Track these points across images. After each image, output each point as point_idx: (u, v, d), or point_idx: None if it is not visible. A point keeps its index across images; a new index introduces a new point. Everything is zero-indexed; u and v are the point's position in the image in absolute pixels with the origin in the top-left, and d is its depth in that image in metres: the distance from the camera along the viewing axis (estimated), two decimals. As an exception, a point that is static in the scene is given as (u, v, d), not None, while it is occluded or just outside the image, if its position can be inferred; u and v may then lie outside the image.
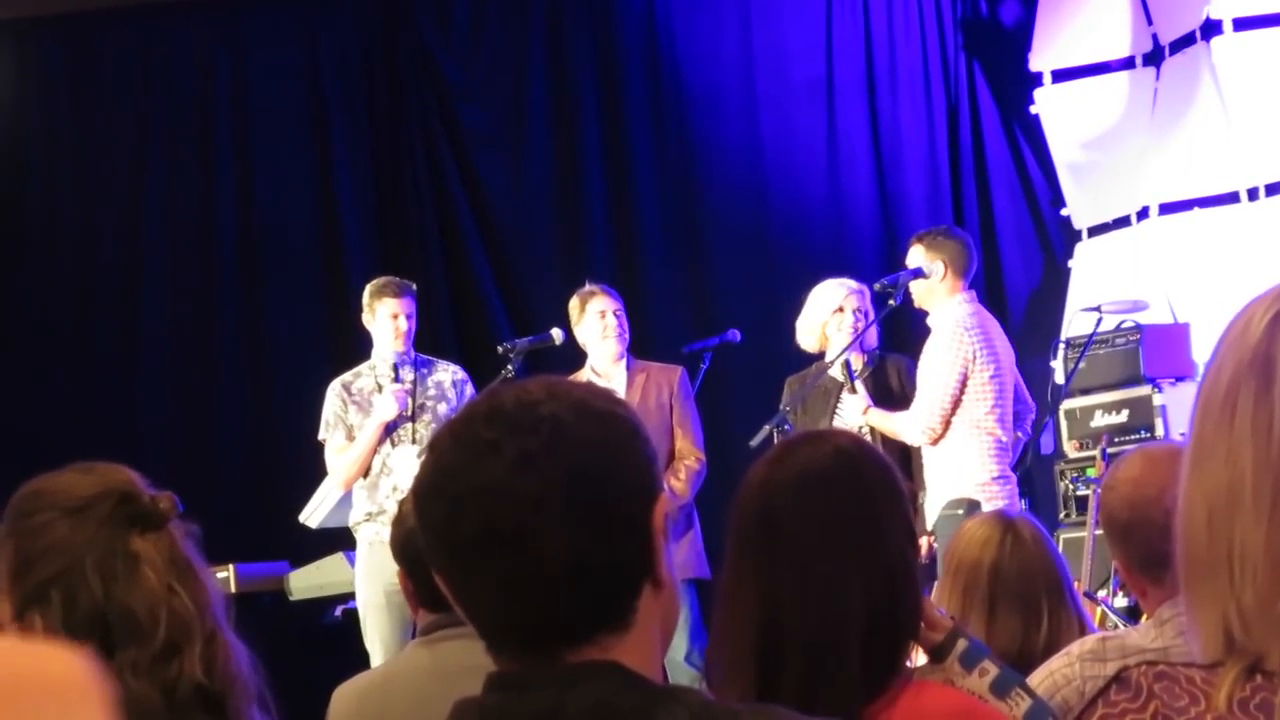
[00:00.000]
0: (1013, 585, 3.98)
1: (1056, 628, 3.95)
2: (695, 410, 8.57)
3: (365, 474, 8.51)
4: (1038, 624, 3.96)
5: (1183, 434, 7.65)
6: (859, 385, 8.13)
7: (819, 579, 2.69)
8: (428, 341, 9.64)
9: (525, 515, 1.82)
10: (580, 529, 1.83)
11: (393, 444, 8.48)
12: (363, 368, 8.65)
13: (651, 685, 1.85)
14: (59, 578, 2.46)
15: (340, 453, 8.54)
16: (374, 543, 8.31)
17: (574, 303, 8.66)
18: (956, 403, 7.77)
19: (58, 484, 2.55)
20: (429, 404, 8.54)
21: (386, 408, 8.45)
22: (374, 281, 8.66)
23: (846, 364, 8.15)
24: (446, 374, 8.66)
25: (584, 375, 8.48)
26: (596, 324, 8.57)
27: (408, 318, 8.54)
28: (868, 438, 8.17)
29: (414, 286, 8.66)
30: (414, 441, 8.44)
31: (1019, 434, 8.09)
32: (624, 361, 8.59)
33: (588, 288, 8.68)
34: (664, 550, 1.89)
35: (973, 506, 7.43)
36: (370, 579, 8.36)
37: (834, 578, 2.69)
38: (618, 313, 8.61)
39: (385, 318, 8.55)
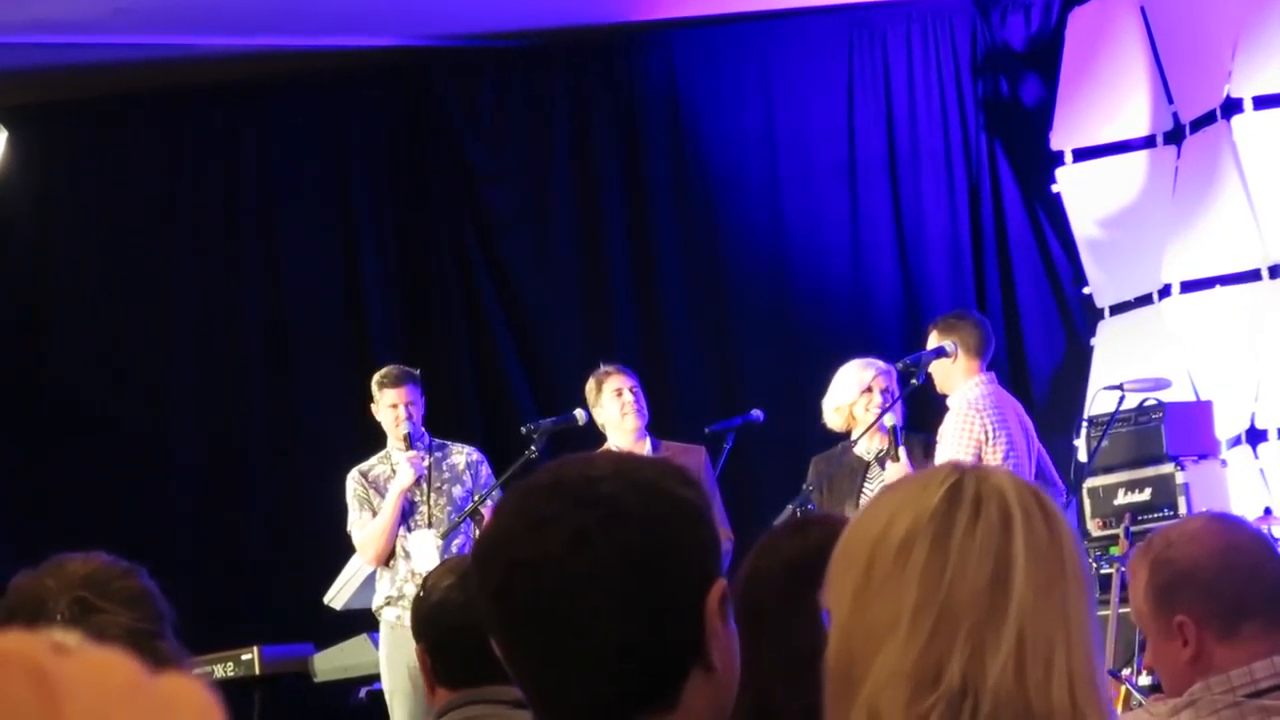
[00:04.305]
0: None
1: None
2: (718, 490, 8.53)
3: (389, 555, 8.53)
4: None
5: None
6: (902, 453, 8.08)
7: (802, 653, 2.70)
8: (453, 422, 9.66)
9: (575, 594, 1.83)
10: (629, 611, 1.83)
11: (409, 528, 8.49)
12: (376, 458, 8.70)
13: None
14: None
15: (364, 527, 8.56)
16: (395, 626, 8.30)
17: (590, 385, 8.63)
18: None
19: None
20: (444, 486, 8.56)
21: (404, 475, 8.47)
22: (378, 373, 8.70)
23: (895, 430, 8.09)
24: (461, 456, 8.68)
25: None
26: (614, 403, 8.53)
27: (408, 405, 8.55)
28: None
29: (416, 373, 8.67)
30: (430, 525, 8.46)
31: None
32: (647, 441, 8.55)
33: (603, 369, 8.64)
34: (721, 635, 1.87)
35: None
36: (393, 663, 8.34)
37: (817, 648, 2.70)
38: (634, 390, 8.56)
39: (386, 409, 8.59)
